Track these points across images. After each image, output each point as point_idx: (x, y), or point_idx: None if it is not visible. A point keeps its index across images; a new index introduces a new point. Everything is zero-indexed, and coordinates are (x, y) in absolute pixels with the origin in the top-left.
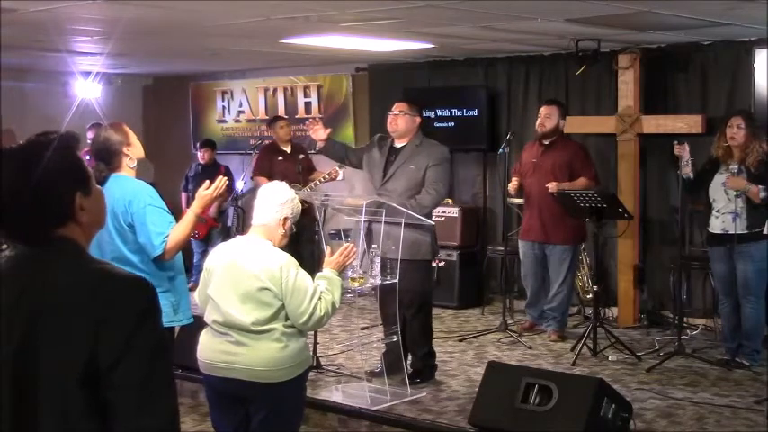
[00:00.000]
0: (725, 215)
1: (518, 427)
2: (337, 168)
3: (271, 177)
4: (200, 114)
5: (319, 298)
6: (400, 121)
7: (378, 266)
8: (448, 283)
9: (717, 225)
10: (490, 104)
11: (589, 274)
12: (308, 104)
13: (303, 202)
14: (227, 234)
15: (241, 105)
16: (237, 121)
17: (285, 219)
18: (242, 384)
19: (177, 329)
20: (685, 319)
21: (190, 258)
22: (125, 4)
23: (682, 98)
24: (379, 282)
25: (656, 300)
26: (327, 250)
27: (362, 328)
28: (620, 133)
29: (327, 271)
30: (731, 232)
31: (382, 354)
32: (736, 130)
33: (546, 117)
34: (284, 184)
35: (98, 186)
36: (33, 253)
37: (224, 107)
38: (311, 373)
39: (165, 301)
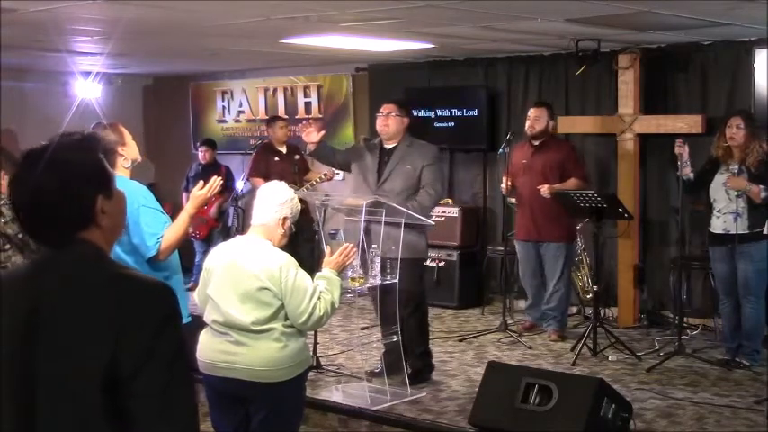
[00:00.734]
0: (726, 215)
1: (518, 427)
2: (333, 170)
3: (267, 178)
4: (200, 114)
5: (319, 298)
6: (391, 122)
7: (378, 266)
8: (448, 283)
9: (718, 225)
10: (490, 104)
11: (589, 274)
12: (307, 104)
13: (301, 201)
14: (227, 234)
15: (241, 105)
16: (237, 121)
17: (284, 219)
18: (242, 384)
19: None
20: (685, 319)
21: (190, 258)
22: (125, 4)
23: (682, 98)
24: (379, 282)
25: (656, 300)
26: (327, 250)
27: (362, 328)
28: (620, 133)
29: (327, 271)
30: (732, 232)
31: (382, 354)
32: (735, 131)
33: (535, 119)
34: (283, 184)
35: (120, 190)
36: (54, 255)
37: (224, 107)
38: (311, 373)
39: None
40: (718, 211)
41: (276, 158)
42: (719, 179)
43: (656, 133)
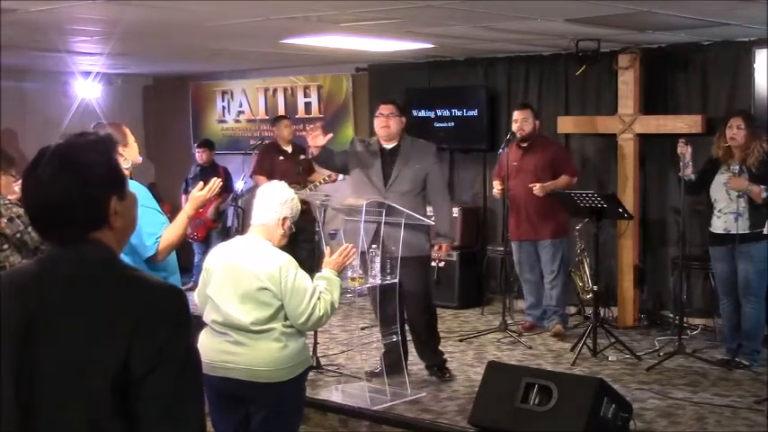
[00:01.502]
0: (727, 215)
1: (518, 427)
2: None
3: (271, 177)
4: (200, 114)
5: (318, 298)
6: (392, 122)
7: (378, 266)
8: (448, 283)
9: (719, 225)
10: (490, 104)
11: (589, 274)
12: (308, 104)
13: (302, 202)
14: (226, 234)
15: (241, 105)
16: (237, 121)
17: (284, 219)
18: (241, 384)
19: None
20: (685, 319)
21: (189, 259)
22: (125, 4)
23: (682, 98)
24: (379, 282)
25: (656, 300)
26: (327, 250)
27: (362, 328)
28: (620, 133)
29: (326, 271)
30: (733, 232)
31: (382, 354)
32: (736, 131)
33: (523, 121)
34: (284, 184)
35: (132, 192)
36: (64, 255)
37: (224, 107)
38: (311, 373)
39: None
40: (719, 211)
41: (281, 157)
42: (720, 179)
43: (655, 133)
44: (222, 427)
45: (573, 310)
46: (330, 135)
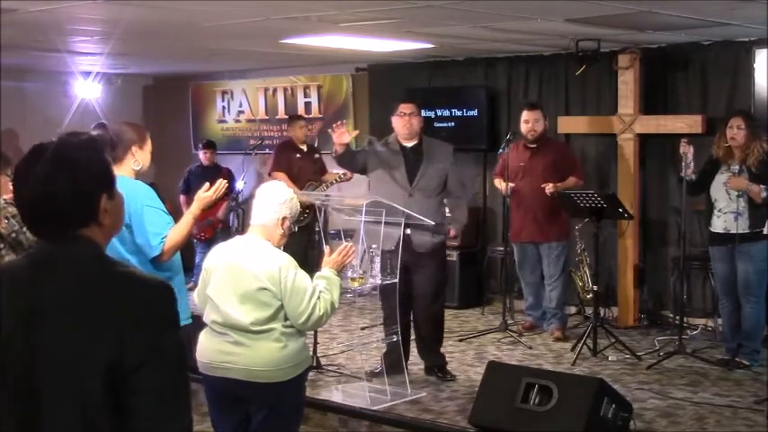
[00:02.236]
0: (727, 215)
1: (518, 427)
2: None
3: (289, 173)
4: (200, 114)
5: (318, 298)
6: (414, 121)
7: (378, 266)
8: (448, 283)
9: (719, 225)
10: (490, 104)
11: (589, 274)
12: (308, 104)
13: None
14: (227, 234)
15: (241, 105)
16: (237, 121)
17: (284, 218)
18: (241, 384)
19: None
20: (685, 319)
21: (191, 258)
22: (125, 5)
23: (682, 98)
24: (379, 281)
25: (656, 300)
26: (327, 250)
27: (362, 328)
28: (620, 133)
29: (326, 270)
30: (733, 232)
31: (383, 354)
32: (736, 131)
33: (535, 122)
34: (283, 184)
35: (119, 191)
36: (54, 251)
37: (224, 107)
38: (311, 373)
39: None
40: (719, 211)
41: (297, 155)
42: (720, 179)
43: (655, 133)
44: (222, 427)
45: (573, 309)
46: (357, 131)
